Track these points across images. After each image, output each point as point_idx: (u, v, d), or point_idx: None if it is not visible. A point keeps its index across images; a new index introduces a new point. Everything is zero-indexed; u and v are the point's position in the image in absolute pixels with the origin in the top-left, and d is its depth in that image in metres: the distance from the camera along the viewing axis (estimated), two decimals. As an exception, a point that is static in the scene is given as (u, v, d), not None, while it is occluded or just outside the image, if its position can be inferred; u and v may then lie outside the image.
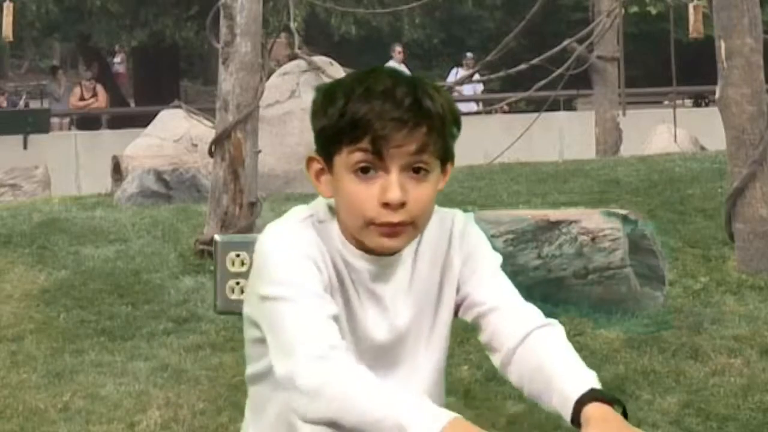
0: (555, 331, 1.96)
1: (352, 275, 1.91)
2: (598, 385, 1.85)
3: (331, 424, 1.75)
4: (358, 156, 1.83)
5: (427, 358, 1.98)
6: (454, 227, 2.01)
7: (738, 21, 6.83)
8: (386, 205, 1.83)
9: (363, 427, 1.72)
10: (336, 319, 1.83)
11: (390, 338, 1.93)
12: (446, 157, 1.89)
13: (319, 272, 1.86)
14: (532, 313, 1.98)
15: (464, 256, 2.00)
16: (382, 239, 1.87)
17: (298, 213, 1.94)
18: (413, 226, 1.87)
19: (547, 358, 1.90)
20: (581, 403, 1.83)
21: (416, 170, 1.85)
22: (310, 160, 1.92)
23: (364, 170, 1.84)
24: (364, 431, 1.72)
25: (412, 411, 1.70)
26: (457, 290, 1.99)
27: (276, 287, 1.84)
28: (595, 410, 1.82)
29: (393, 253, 1.92)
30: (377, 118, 1.81)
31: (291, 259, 1.86)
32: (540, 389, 1.91)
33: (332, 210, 1.92)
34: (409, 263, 1.96)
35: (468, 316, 2.00)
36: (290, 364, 1.78)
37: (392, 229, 1.86)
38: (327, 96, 1.88)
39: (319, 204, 1.94)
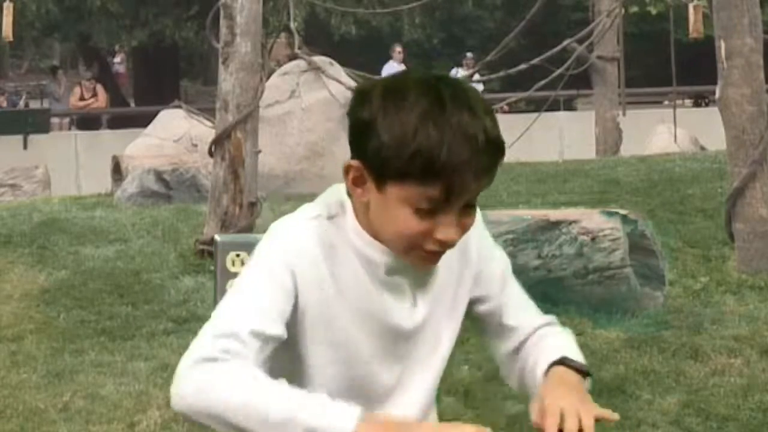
0: (562, 330, 2.01)
1: (369, 267, 1.87)
2: (574, 357, 1.92)
3: (208, 424, 1.72)
4: (423, 199, 1.74)
5: (439, 351, 1.97)
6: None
7: (738, 21, 6.83)
8: (441, 242, 1.79)
9: (256, 430, 1.67)
10: (269, 341, 1.77)
11: (410, 326, 1.91)
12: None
13: (286, 297, 1.81)
14: (542, 317, 2.03)
15: (481, 252, 1.99)
16: (425, 263, 1.85)
17: (305, 212, 1.89)
18: (452, 247, 1.85)
19: (544, 348, 1.95)
20: (549, 368, 1.89)
21: (470, 205, 1.80)
22: (351, 169, 1.80)
23: (429, 210, 1.76)
24: None
25: (319, 412, 1.66)
26: (473, 287, 1.99)
27: (235, 288, 1.82)
28: (555, 371, 1.88)
29: None
30: (458, 170, 1.71)
31: (262, 272, 1.82)
32: (530, 382, 1.95)
33: (344, 205, 1.87)
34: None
35: (477, 313, 2.01)
36: (186, 355, 1.76)
37: (437, 258, 1.84)
38: (388, 111, 1.74)
39: (331, 198, 1.89)
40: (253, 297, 1.79)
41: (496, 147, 1.74)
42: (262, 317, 1.77)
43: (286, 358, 1.84)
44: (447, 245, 1.79)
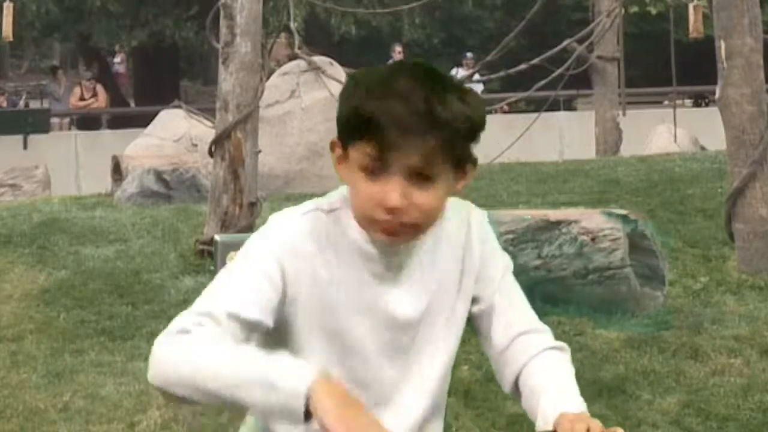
0: (561, 355, 2.01)
1: (364, 258, 1.90)
2: (576, 398, 1.95)
3: (182, 395, 1.75)
4: (365, 156, 1.82)
5: (442, 348, 1.98)
6: (472, 219, 2.02)
7: (738, 21, 6.83)
8: (388, 209, 1.83)
9: (224, 392, 1.71)
10: (247, 326, 1.81)
11: (407, 318, 1.93)
12: (461, 161, 1.88)
13: (272, 287, 1.84)
14: (542, 333, 2.03)
15: (483, 253, 2.01)
16: (382, 236, 1.87)
17: (302, 207, 1.94)
18: (415, 228, 1.87)
19: (545, 383, 1.96)
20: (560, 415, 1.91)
21: (423, 177, 1.82)
22: (333, 144, 1.90)
23: (371, 170, 1.83)
24: (226, 398, 1.71)
25: (280, 367, 1.69)
26: (473, 286, 2.00)
27: (220, 275, 1.87)
28: (569, 413, 1.92)
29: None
30: (385, 121, 1.78)
31: (249, 262, 1.86)
32: (532, 407, 1.96)
33: (346, 199, 1.91)
34: (429, 247, 1.96)
35: (471, 312, 2.02)
36: (163, 332, 1.80)
37: (392, 230, 1.86)
38: (353, 84, 1.87)
39: (336, 193, 1.94)
40: (235, 283, 1.84)
41: (431, 116, 1.78)
42: (242, 301, 1.81)
43: (286, 352, 1.85)
44: (394, 213, 1.82)
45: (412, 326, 1.94)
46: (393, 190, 1.81)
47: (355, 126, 1.81)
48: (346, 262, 1.89)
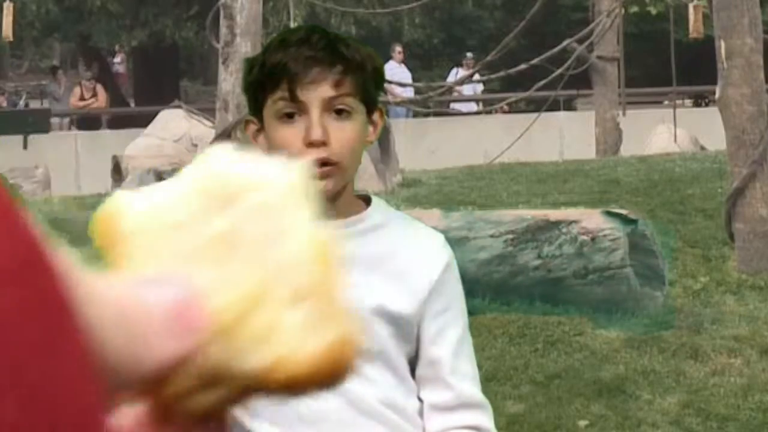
0: None
1: None
2: None
3: None
4: (280, 103, 1.90)
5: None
6: (435, 248, 2.00)
7: (738, 21, 6.83)
8: (310, 144, 1.88)
9: None
10: None
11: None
12: (369, 102, 1.94)
13: None
14: (463, 408, 1.99)
15: (439, 288, 1.97)
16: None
17: None
18: (338, 167, 1.90)
19: None
20: None
21: (338, 111, 1.89)
22: (246, 123, 2.00)
23: (289, 116, 1.90)
24: None
25: None
26: (417, 324, 1.96)
27: None
28: None
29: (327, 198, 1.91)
30: (292, 60, 1.88)
31: None
32: None
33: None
34: (351, 241, 1.93)
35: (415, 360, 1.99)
36: None
37: (317, 171, 1.84)
38: (252, 59, 2.00)
39: None
40: None
41: (333, 49, 1.89)
42: None
43: None
44: (317, 147, 1.87)
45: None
46: (313, 125, 1.88)
47: (264, 79, 1.92)
48: None
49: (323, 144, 1.87)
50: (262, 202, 0.59)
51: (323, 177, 1.87)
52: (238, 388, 0.56)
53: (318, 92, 1.88)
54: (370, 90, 1.94)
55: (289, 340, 0.56)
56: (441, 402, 1.98)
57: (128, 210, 0.58)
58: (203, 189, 0.59)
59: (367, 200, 2.01)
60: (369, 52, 1.96)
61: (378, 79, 1.97)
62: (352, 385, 1.86)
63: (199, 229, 0.58)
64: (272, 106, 1.91)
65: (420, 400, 1.99)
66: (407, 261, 1.97)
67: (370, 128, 1.96)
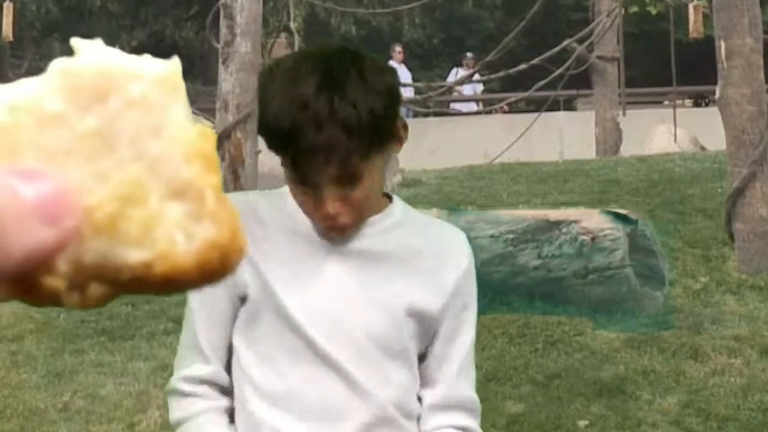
0: None
1: (310, 240, 1.91)
2: None
3: None
4: (287, 167, 1.83)
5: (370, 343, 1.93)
6: (459, 247, 2.00)
7: (738, 21, 6.83)
8: (324, 216, 1.85)
9: None
10: (227, 329, 1.93)
11: (338, 303, 1.91)
12: (385, 141, 1.83)
13: (226, 293, 1.92)
14: (457, 415, 2.00)
15: (457, 291, 1.97)
16: (329, 233, 1.89)
17: (263, 191, 2.01)
18: (358, 218, 1.89)
19: None
20: None
21: (351, 177, 1.81)
22: None
23: (299, 180, 1.84)
24: None
25: None
26: (438, 321, 1.96)
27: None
28: None
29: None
30: (294, 142, 1.76)
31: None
32: None
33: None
34: (377, 239, 1.94)
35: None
36: (167, 387, 2.01)
37: (335, 229, 1.88)
38: (263, 85, 1.84)
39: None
40: (200, 304, 1.95)
41: (342, 121, 1.74)
42: (209, 337, 1.96)
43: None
44: (331, 219, 1.84)
45: (343, 311, 1.92)
46: (324, 200, 1.82)
47: (269, 139, 1.81)
48: (286, 241, 1.91)
49: (339, 214, 1.83)
50: (135, 96, 0.57)
51: (342, 232, 1.89)
52: (120, 284, 0.56)
53: (326, 173, 1.79)
54: (379, 139, 1.80)
55: (167, 236, 0.55)
56: (440, 401, 1.99)
57: None
58: (74, 83, 0.58)
59: (388, 197, 2.00)
60: (384, 84, 1.80)
61: (394, 106, 1.83)
62: (372, 387, 1.89)
63: (72, 124, 0.56)
64: (284, 165, 1.83)
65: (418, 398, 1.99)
66: (434, 259, 1.96)
67: (396, 147, 1.87)
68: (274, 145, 1.80)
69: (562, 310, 6.09)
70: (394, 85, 1.84)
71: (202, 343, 1.94)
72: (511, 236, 6.19)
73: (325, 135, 1.74)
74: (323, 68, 1.77)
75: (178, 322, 7.06)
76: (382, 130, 1.80)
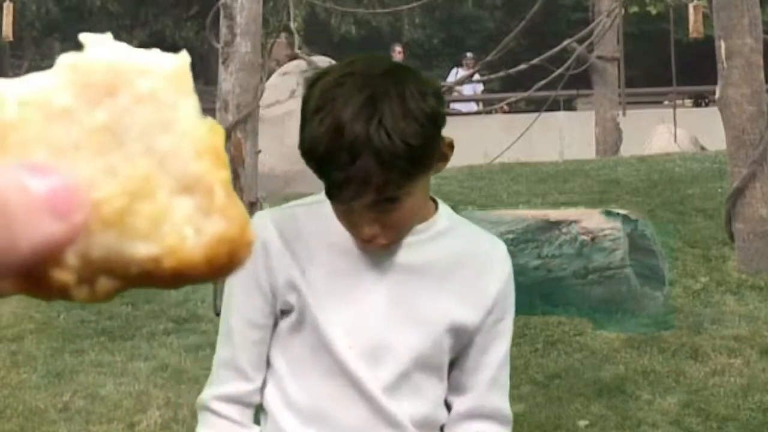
0: None
1: (349, 254, 1.89)
2: None
3: None
4: (326, 188, 1.77)
5: (407, 346, 1.92)
6: (500, 259, 1.99)
7: (738, 21, 6.83)
8: (363, 239, 1.83)
9: None
10: (262, 340, 1.93)
11: (378, 322, 1.90)
12: (426, 165, 1.78)
13: (262, 294, 1.90)
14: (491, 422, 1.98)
15: (498, 302, 1.96)
16: (368, 248, 1.87)
17: (304, 198, 1.97)
18: (397, 238, 1.86)
19: None
20: None
21: (390, 199, 1.76)
22: None
23: (337, 201, 1.80)
24: None
25: None
26: (476, 330, 1.95)
27: (224, 308, 1.97)
28: None
29: None
30: (326, 169, 1.71)
31: (239, 278, 1.87)
32: None
33: None
34: (419, 250, 1.92)
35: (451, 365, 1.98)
36: (200, 401, 1.98)
37: (374, 247, 1.86)
38: (305, 99, 1.77)
39: None
40: (235, 320, 1.94)
41: (377, 152, 1.67)
42: (246, 352, 1.94)
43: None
44: (369, 241, 1.82)
45: (383, 317, 1.90)
46: (361, 224, 1.79)
47: (306, 162, 1.75)
48: (323, 250, 1.89)
49: (376, 236, 1.80)
50: (145, 91, 0.57)
51: (383, 248, 1.86)
52: (129, 278, 0.56)
53: (361, 201, 1.74)
54: (419, 166, 1.73)
55: (175, 230, 0.55)
56: (469, 410, 1.97)
57: (8, 100, 0.57)
58: (83, 78, 0.58)
59: (434, 201, 1.97)
60: (425, 109, 1.71)
61: (435, 132, 1.74)
62: (396, 410, 1.89)
63: (81, 119, 0.56)
64: (323, 183, 1.78)
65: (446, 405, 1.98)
66: (476, 270, 1.94)
67: (441, 163, 1.81)
68: (309, 165, 1.74)
69: (562, 310, 6.09)
70: (437, 108, 1.75)
71: (241, 361, 1.93)
72: (511, 236, 6.19)
73: (359, 165, 1.67)
74: (363, 89, 1.69)
75: (178, 322, 7.11)
76: (420, 158, 1.73)
